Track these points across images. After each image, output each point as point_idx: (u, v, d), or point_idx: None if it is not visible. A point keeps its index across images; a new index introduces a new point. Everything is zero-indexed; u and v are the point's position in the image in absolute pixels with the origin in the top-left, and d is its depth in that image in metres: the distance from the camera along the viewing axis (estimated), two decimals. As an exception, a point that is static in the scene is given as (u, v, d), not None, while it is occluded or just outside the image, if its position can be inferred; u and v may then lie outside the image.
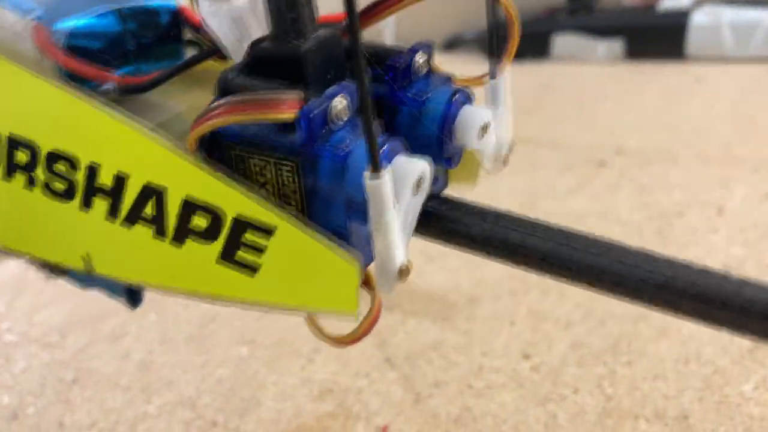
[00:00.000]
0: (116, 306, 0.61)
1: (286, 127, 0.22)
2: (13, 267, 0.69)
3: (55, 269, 0.31)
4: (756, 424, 0.40)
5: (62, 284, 0.66)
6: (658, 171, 0.74)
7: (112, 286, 0.31)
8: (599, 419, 0.42)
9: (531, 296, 0.55)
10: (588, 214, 0.67)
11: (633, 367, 0.46)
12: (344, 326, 0.28)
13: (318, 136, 0.21)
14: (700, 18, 1.02)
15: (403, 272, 0.21)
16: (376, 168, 0.20)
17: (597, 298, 0.53)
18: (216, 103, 0.22)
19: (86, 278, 0.30)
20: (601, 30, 1.08)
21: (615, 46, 1.08)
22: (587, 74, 1.06)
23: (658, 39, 1.05)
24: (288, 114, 0.21)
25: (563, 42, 1.09)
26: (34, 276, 0.69)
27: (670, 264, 0.22)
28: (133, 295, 0.30)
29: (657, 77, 1.01)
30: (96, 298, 0.62)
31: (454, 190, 0.28)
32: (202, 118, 0.22)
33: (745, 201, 0.65)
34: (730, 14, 1.01)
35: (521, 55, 0.29)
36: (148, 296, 0.62)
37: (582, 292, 0.54)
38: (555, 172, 0.76)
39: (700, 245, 0.59)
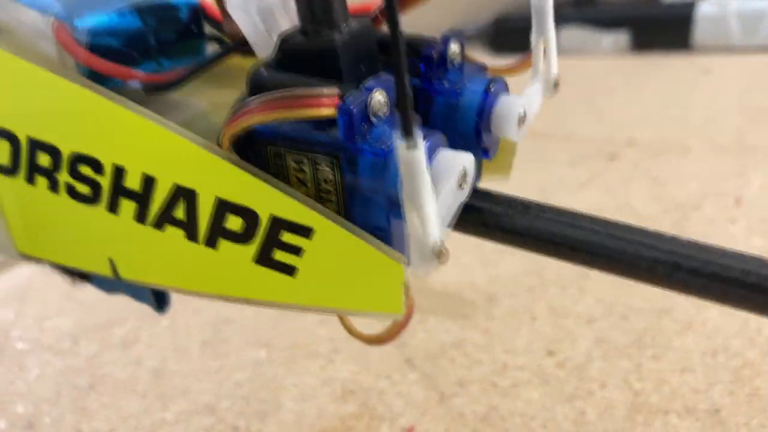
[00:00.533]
0: (126, 312, 0.60)
1: (325, 122, 0.21)
2: (21, 274, 0.69)
3: (79, 275, 0.31)
4: (790, 416, 0.39)
5: (70, 291, 0.66)
6: (671, 162, 0.73)
7: (138, 291, 0.30)
8: (629, 415, 0.41)
9: (549, 293, 0.54)
10: (602, 207, 0.66)
11: (659, 361, 0.45)
12: (369, 323, 0.28)
13: (358, 132, 0.20)
14: (706, 8, 1.02)
15: (442, 254, 0.20)
16: (410, 137, 0.18)
17: (617, 293, 0.53)
18: (250, 101, 0.21)
19: (112, 283, 0.29)
20: (606, 22, 1.07)
21: (620, 38, 1.07)
22: (594, 67, 1.05)
23: (664, 30, 1.05)
24: (327, 110, 0.20)
25: (568, 35, 1.09)
26: (42, 283, 0.68)
27: (724, 254, 0.21)
28: (160, 299, 0.29)
29: (664, 69, 1.00)
30: (105, 304, 0.61)
31: (487, 182, 0.28)
32: (236, 116, 0.21)
33: (763, 190, 0.64)
34: (736, 4, 1.00)
35: (526, 48, 0.28)
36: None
37: (601, 287, 0.53)
38: (566, 166, 0.75)
39: (719, 237, 0.58)
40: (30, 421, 0.49)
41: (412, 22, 0.26)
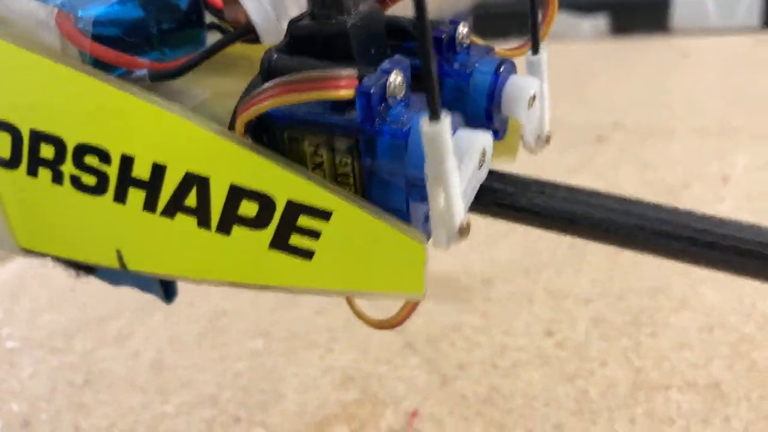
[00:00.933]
0: (119, 307, 0.60)
1: (341, 105, 0.21)
2: (10, 272, 0.68)
3: (83, 268, 0.30)
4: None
5: (62, 287, 0.65)
6: (657, 145, 0.74)
7: (144, 281, 0.30)
8: (630, 392, 0.42)
9: (546, 275, 0.55)
10: (592, 190, 0.67)
11: (658, 338, 0.46)
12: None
13: (376, 113, 0.20)
14: (684, -9, 1.03)
15: (464, 230, 0.20)
16: (435, 114, 0.18)
17: (613, 273, 0.53)
18: (266, 85, 0.21)
19: (118, 275, 0.29)
20: (585, 6, 1.08)
21: (600, 22, 1.08)
22: (575, 52, 1.05)
23: (643, 13, 1.06)
24: (346, 91, 0.20)
25: (548, 20, 1.09)
26: (32, 280, 0.67)
27: (741, 227, 0.21)
28: (168, 289, 0.29)
29: (645, 52, 1.01)
30: (98, 300, 0.61)
31: (493, 164, 0.28)
32: (252, 99, 0.21)
33: (748, 169, 0.65)
34: (714, -14, 1.01)
35: (505, 35, 0.28)
36: (150, 296, 0.60)
37: (597, 268, 0.54)
38: (555, 152, 0.76)
39: (707, 215, 0.59)
40: (26, 420, 0.49)
41: (391, 9, 0.26)
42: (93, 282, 0.55)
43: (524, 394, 0.43)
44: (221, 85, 0.29)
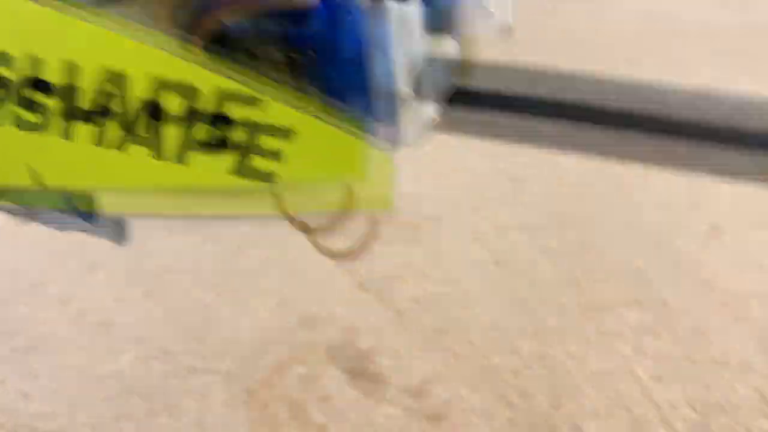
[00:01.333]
0: (53, 271, 0.58)
1: (299, 16, 0.20)
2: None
3: (27, 213, 0.29)
4: (731, 303, 0.42)
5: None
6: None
7: (95, 224, 0.28)
8: (583, 314, 0.43)
9: (491, 210, 0.55)
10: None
11: (604, 259, 0.47)
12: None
13: (338, 21, 0.20)
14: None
15: (403, 98, 0.20)
16: None
17: (557, 204, 0.54)
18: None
19: (65, 219, 0.28)
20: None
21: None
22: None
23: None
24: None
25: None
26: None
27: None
28: (119, 228, 0.28)
29: None
30: (28, 265, 0.58)
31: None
32: (210, 11, 0.20)
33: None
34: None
35: None
36: (93, 256, 0.58)
37: (540, 199, 0.55)
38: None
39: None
40: (-31, 392, 0.47)
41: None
42: (21, 248, 0.53)
43: (479, 323, 0.44)
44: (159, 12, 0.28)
